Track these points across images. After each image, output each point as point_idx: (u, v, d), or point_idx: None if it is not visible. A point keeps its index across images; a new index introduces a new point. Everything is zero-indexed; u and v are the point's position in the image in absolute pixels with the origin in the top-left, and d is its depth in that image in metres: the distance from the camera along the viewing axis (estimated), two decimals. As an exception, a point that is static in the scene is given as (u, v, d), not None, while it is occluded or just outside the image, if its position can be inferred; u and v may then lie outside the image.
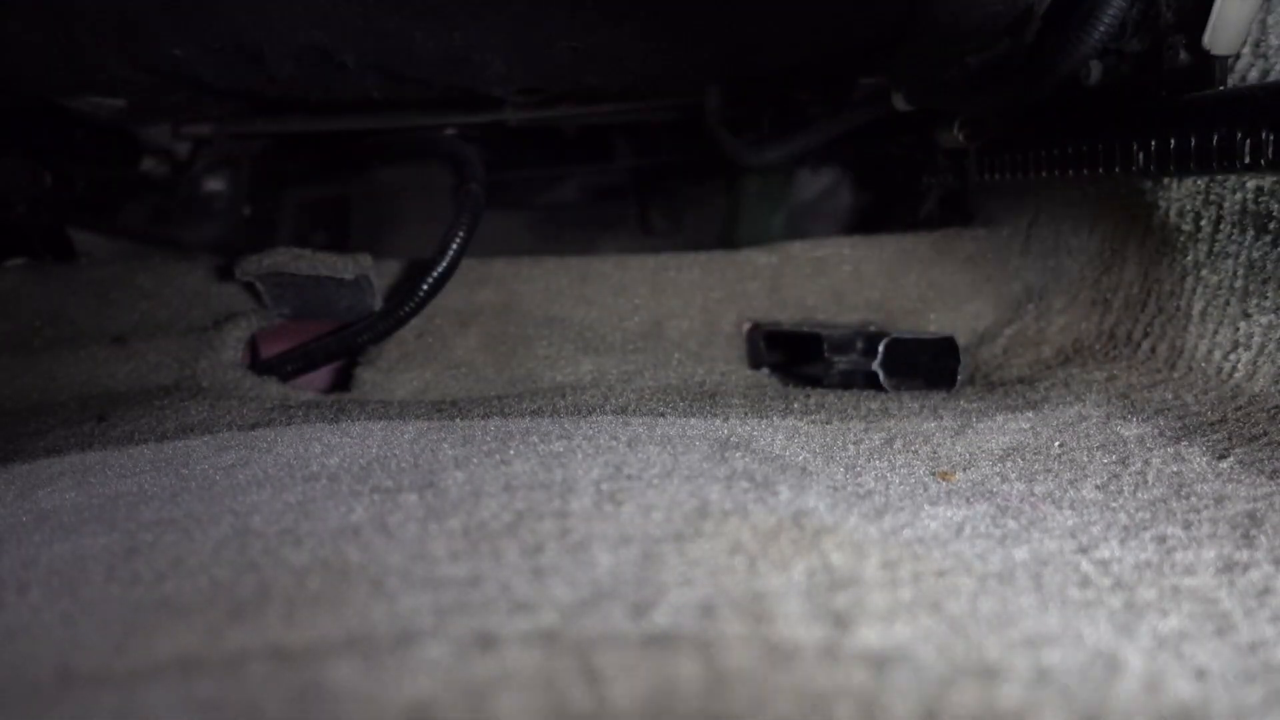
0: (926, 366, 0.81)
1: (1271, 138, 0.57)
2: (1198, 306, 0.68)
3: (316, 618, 0.33)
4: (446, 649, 0.30)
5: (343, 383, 0.90)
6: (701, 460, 0.53)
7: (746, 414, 0.67)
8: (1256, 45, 0.63)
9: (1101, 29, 0.66)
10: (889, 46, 0.77)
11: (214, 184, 1.25)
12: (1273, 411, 0.58)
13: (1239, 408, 0.60)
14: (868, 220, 1.22)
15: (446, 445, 0.57)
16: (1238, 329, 0.64)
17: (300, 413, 0.71)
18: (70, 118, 0.98)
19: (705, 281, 0.94)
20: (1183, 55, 0.66)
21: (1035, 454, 0.57)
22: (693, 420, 0.64)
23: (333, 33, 0.74)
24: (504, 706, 0.28)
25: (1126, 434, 0.59)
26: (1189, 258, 0.69)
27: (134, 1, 0.69)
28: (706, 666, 0.30)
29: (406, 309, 0.85)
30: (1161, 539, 0.44)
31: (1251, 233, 0.65)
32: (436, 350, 0.86)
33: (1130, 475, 0.52)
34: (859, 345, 0.80)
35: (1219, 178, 0.67)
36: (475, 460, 0.52)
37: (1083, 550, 0.42)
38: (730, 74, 0.89)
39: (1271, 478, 0.50)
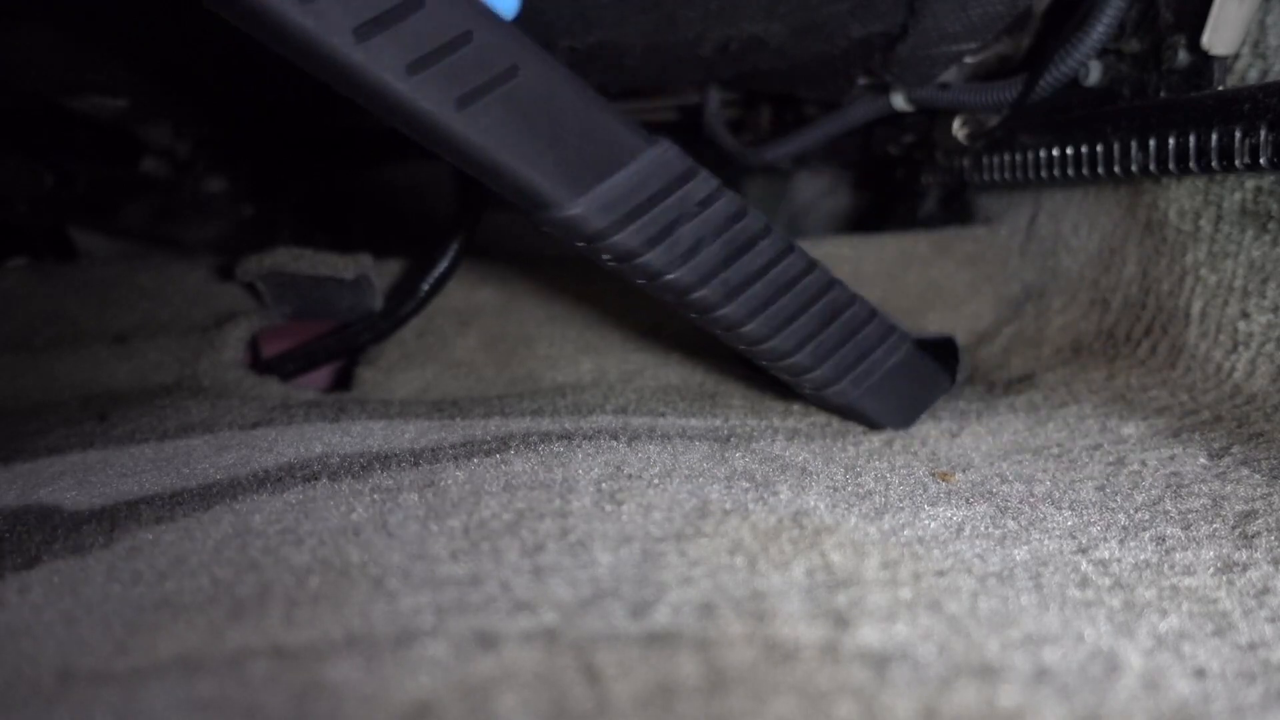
0: (926, 366, 0.81)
1: (1270, 137, 0.58)
2: (1197, 306, 0.68)
3: (317, 617, 0.33)
4: (447, 648, 0.31)
5: (343, 382, 0.90)
6: (701, 460, 0.53)
7: (746, 414, 0.67)
8: (1256, 45, 0.63)
9: (1101, 29, 0.66)
10: (889, 46, 0.77)
11: (215, 184, 1.25)
12: (1271, 411, 0.58)
13: (1237, 407, 0.60)
14: (868, 220, 1.22)
15: (447, 444, 0.57)
16: (1237, 329, 0.64)
17: (301, 412, 0.71)
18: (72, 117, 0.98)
19: (705, 281, 0.94)
20: (1182, 55, 0.66)
21: (1034, 454, 0.57)
22: (693, 420, 0.64)
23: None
24: (504, 705, 0.28)
25: (1125, 434, 0.59)
26: (1188, 258, 0.69)
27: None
28: (706, 666, 0.30)
29: (407, 309, 0.85)
30: (1160, 539, 0.44)
31: (1251, 232, 0.65)
32: (437, 350, 0.86)
33: (1129, 475, 0.53)
34: (859, 345, 0.80)
35: (1218, 177, 0.67)
36: (475, 459, 0.52)
37: (1082, 550, 0.42)
38: (730, 74, 0.89)
39: (1270, 477, 0.50)
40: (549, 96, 0.44)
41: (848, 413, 0.61)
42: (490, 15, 0.42)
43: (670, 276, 0.50)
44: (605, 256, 0.49)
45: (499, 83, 0.42)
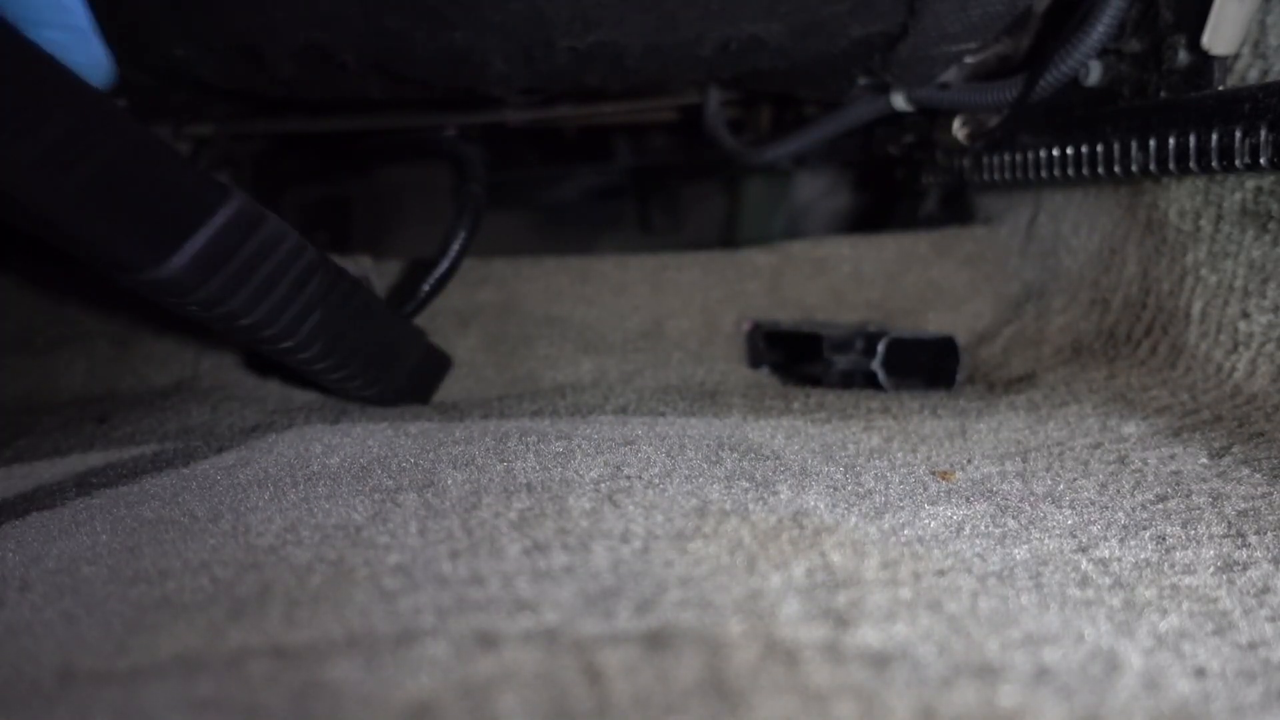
0: (926, 366, 0.82)
1: (1270, 137, 0.58)
2: (1197, 306, 0.68)
3: (317, 616, 0.33)
4: (447, 648, 0.31)
5: (343, 383, 0.90)
6: (701, 460, 0.53)
7: (746, 413, 0.67)
8: (1256, 45, 0.63)
9: (1101, 29, 0.66)
10: (889, 46, 0.77)
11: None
12: (1271, 410, 0.58)
13: (1237, 406, 0.60)
14: (868, 220, 1.22)
15: (447, 445, 0.57)
16: (1237, 329, 0.64)
17: (301, 413, 0.71)
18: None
19: (705, 281, 0.94)
20: (1182, 55, 0.66)
21: (1034, 453, 0.57)
22: (692, 420, 0.64)
23: (333, 32, 0.74)
24: (505, 705, 0.28)
25: (1126, 433, 0.59)
26: (1188, 257, 0.69)
27: (134, 1, 0.70)
28: (707, 666, 0.30)
29: (407, 309, 0.85)
30: (1160, 538, 0.44)
31: (1251, 232, 0.65)
32: (437, 350, 0.86)
33: (1129, 474, 0.53)
34: (858, 345, 0.80)
35: (1218, 177, 0.67)
36: (475, 460, 0.52)
37: (1082, 549, 0.42)
38: (730, 74, 0.89)
39: (1270, 477, 0.50)
40: (131, 163, 0.45)
41: (376, 401, 0.71)
42: (72, 87, 0.42)
43: (248, 320, 0.54)
44: (192, 308, 0.52)
45: (82, 154, 0.42)
